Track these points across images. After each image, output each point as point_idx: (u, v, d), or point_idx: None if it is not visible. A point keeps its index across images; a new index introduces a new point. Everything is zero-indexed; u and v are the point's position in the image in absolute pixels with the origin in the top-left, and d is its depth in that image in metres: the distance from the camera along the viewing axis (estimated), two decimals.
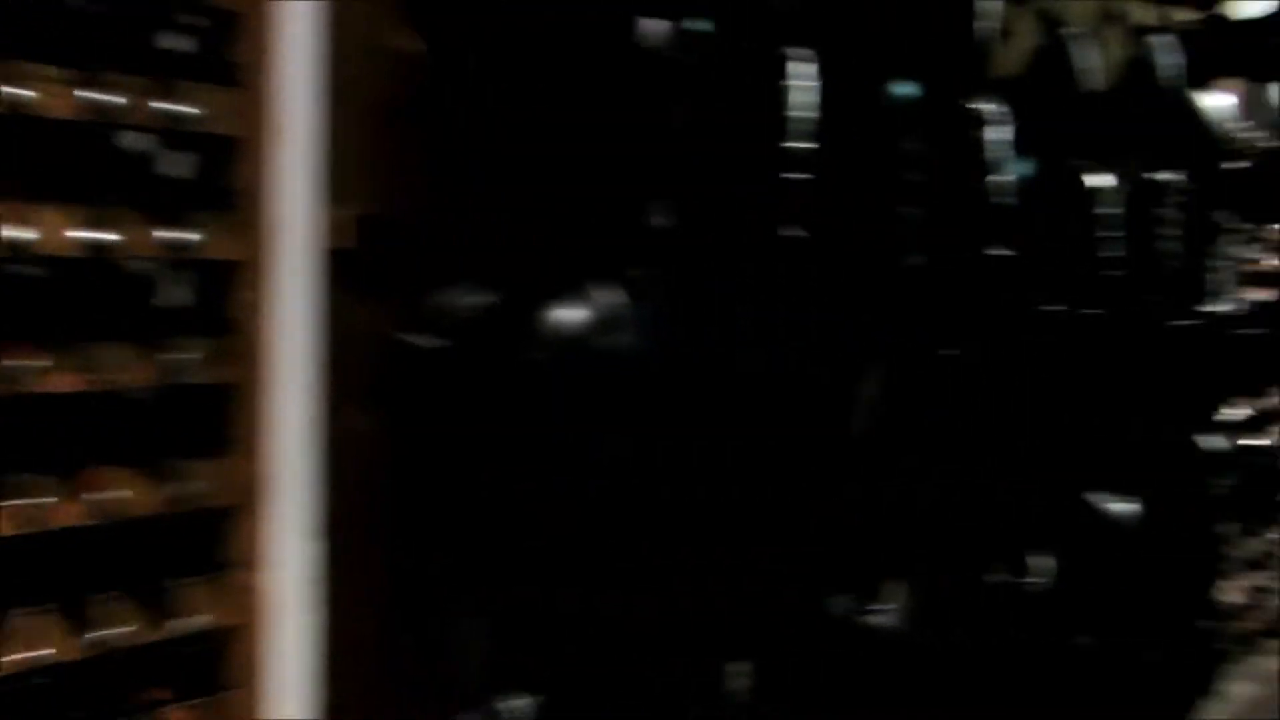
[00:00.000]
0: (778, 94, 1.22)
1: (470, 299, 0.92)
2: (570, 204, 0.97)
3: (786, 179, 1.23)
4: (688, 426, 1.07)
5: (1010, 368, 1.75)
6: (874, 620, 1.49)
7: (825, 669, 1.40)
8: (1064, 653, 2.02)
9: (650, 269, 1.04)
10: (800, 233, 1.25)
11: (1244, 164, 2.68)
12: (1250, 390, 2.95)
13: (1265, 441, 3.25)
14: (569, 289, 0.93)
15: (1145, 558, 2.22)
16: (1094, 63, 1.90)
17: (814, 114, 1.25)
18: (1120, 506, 2.16)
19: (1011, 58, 1.84)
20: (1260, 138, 3.17)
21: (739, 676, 1.27)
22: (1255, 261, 3.43)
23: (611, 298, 0.94)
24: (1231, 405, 3.00)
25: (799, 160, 1.24)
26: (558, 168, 0.98)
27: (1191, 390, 2.39)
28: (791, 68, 1.23)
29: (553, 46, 1.01)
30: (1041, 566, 1.91)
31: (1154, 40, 2.21)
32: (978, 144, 1.58)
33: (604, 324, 0.92)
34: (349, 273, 0.91)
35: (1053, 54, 1.86)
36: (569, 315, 0.91)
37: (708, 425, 1.10)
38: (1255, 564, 3.75)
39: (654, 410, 1.00)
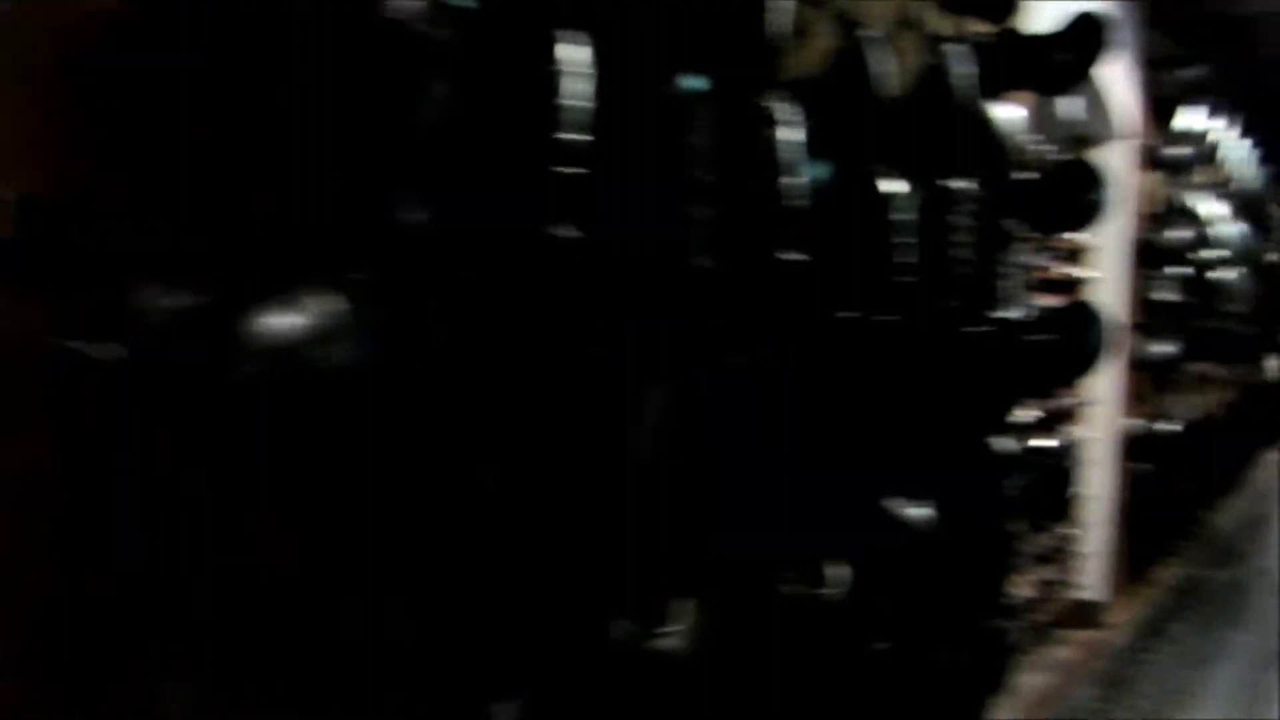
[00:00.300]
0: (548, 80, 1.11)
1: (160, 302, 0.78)
2: (293, 193, 0.84)
3: (558, 173, 1.13)
4: (434, 448, 0.96)
5: (805, 375, 1.71)
6: (660, 644, 1.41)
7: (607, 701, 1.31)
8: (860, 660, 2.01)
9: (392, 270, 0.92)
10: (573, 232, 1.15)
11: (1034, 175, 2.76)
12: (1040, 393, 3.06)
13: (1054, 442, 3.39)
14: (284, 292, 0.79)
15: (940, 559, 2.24)
16: (890, 68, 1.88)
17: (589, 104, 1.15)
18: (916, 511, 2.16)
19: (807, 58, 1.80)
20: (1049, 150, 3.29)
21: (508, 716, 1.17)
22: (1045, 269, 3.58)
23: (338, 303, 0.81)
24: (1022, 408, 3.10)
25: (572, 153, 1.14)
26: (278, 150, 0.85)
27: (984, 394, 2.43)
28: (564, 52, 1.13)
29: (278, 11, 0.88)
30: (838, 575, 1.89)
31: (949, 49, 2.23)
32: (770, 144, 1.52)
33: (328, 333, 0.79)
34: (7, 266, 0.75)
35: (849, 57, 1.84)
36: (283, 322, 0.78)
37: (459, 446, 0.99)
38: (1045, 558, 3.92)
39: (392, 432, 0.88)
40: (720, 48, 1.43)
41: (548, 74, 1.11)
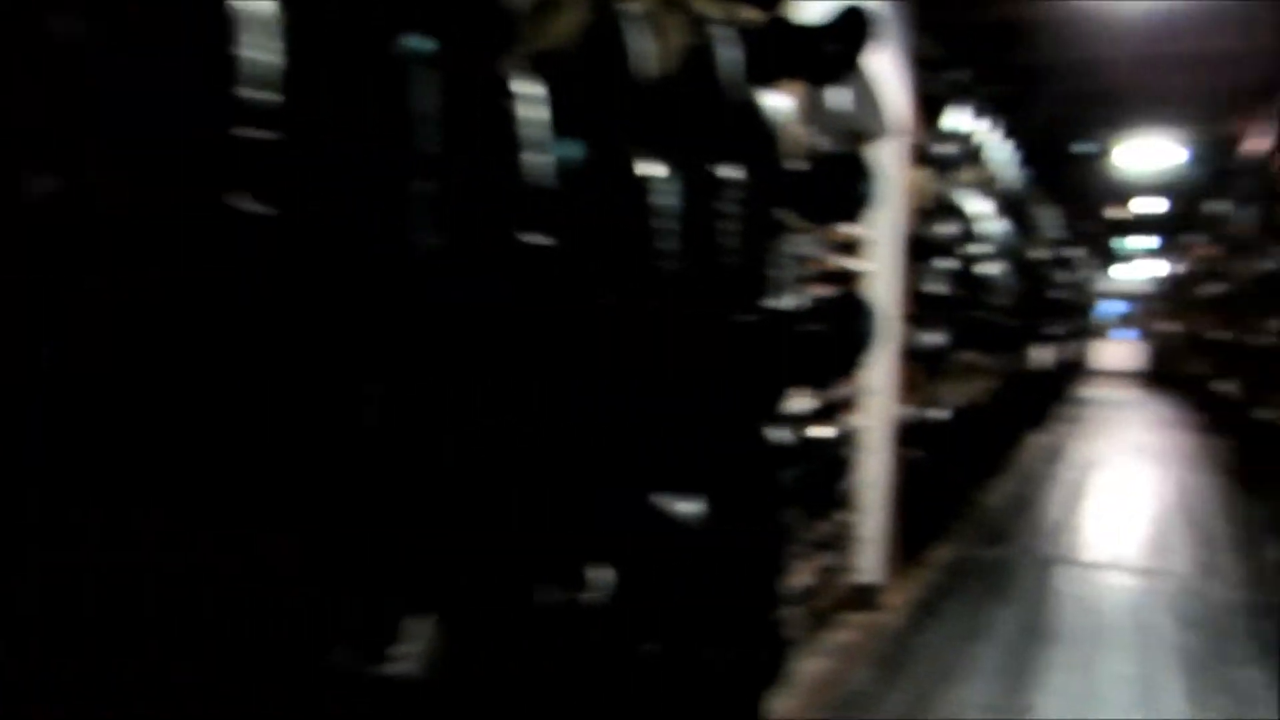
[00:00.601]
0: (221, 27, 0.95)
1: None
2: None
3: (240, 137, 0.97)
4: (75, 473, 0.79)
5: (556, 364, 1.60)
6: (391, 669, 1.27)
7: None
8: (628, 665, 1.92)
9: None
10: (259, 208, 0.99)
11: (805, 165, 2.76)
12: (812, 383, 3.07)
13: (830, 432, 3.43)
14: None
15: (712, 555, 2.18)
16: (647, 46, 1.79)
17: (274, 57, 1.00)
18: (685, 506, 2.10)
19: (557, 30, 1.69)
20: (820, 141, 3.31)
21: None
22: (821, 261, 3.62)
23: None
24: (799, 398, 3.11)
25: (257, 114, 0.98)
26: None
27: (756, 384, 2.40)
28: None
29: None
30: (600, 578, 1.79)
31: (715, 32, 2.17)
32: (509, 117, 1.40)
33: None
34: None
35: (603, 32, 1.74)
36: None
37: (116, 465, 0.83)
38: (824, 545, 3.98)
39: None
40: (448, 6, 1.30)
41: (221, 20, 0.95)
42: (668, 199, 1.83)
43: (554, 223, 1.47)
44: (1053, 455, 9.87)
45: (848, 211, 2.90)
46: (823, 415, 3.53)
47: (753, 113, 2.37)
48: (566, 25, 1.71)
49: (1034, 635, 4.31)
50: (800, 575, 3.60)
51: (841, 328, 2.75)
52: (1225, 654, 4.10)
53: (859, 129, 4.29)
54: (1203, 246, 12.73)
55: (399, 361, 1.22)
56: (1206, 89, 6.03)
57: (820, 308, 2.74)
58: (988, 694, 3.66)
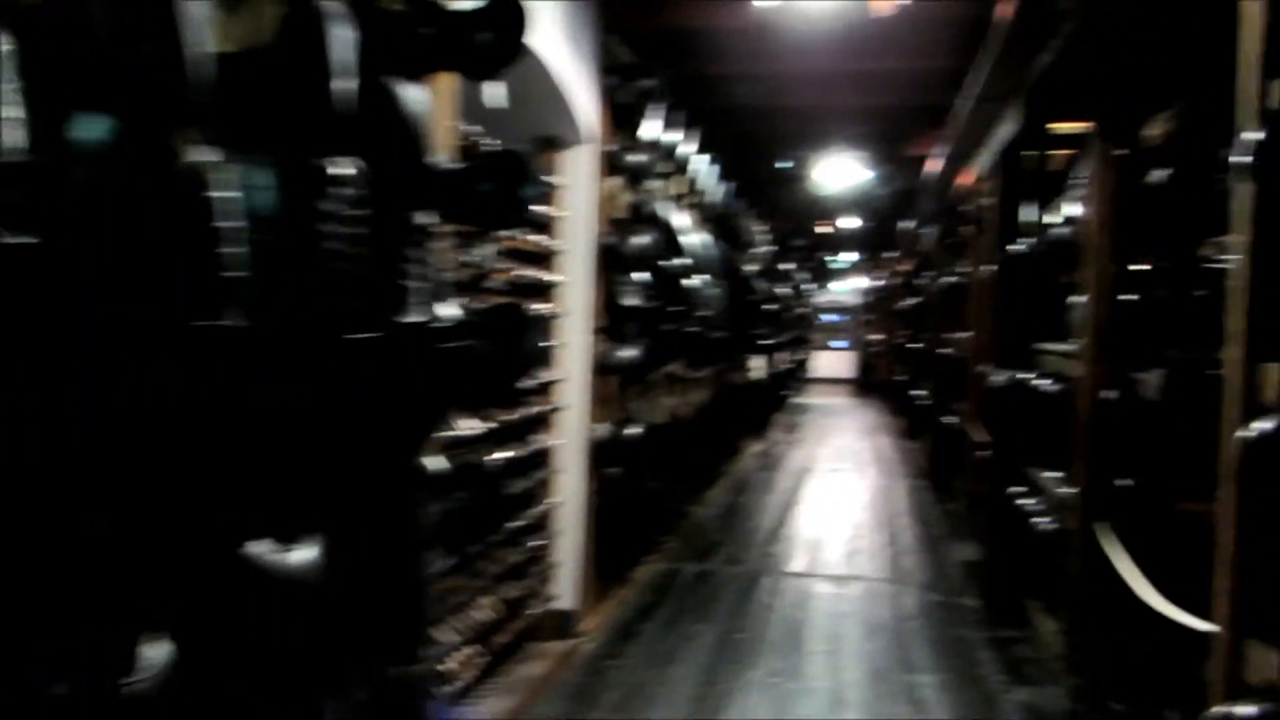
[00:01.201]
0: None
1: None
2: None
3: None
4: None
5: (84, 389, 1.28)
6: None
7: None
8: None
9: None
10: None
11: (456, 165, 2.52)
12: (469, 404, 2.84)
13: (503, 456, 3.20)
14: None
15: (325, 607, 1.89)
16: (205, 11, 1.48)
17: None
18: (294, 555, 1.80)
19: None
20: (481, 138, 3.10)
21: None
22: (496, 270, 3.39)
23: None
24: (454, 422, 2.87)
25: None
26: None
27: (388, 409, 2.13)
28: None
29: None
30: (154, 656, 1.46)
31: (324, 8, 1.89)
32: None
33: None
34: None
35: None
36: None
37: None
38: (511, 574, 3.75)
39: None
40: None
41: None
42: (237, 194, 1.53)
43: (35, 215, 1.15)
44: (769, 463, 10.17)
45: (507, 216, 2.68)
46: (500, 437, 3.30)
47: (383, 103, 2.10)
48: None
49: (732, 652, 4.25)
50: (479, 609, 3.35)
51: (498, 343, 2.52)
52: (907, 661, 4.20)
53: (546, 133, 4.12)
54: (900, 262, 13.61)
55: None
56: (889, 108, 6.31)
57: (474, 322, 2.50)
58: None
